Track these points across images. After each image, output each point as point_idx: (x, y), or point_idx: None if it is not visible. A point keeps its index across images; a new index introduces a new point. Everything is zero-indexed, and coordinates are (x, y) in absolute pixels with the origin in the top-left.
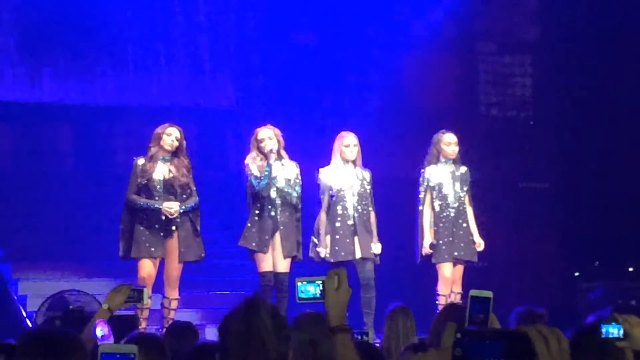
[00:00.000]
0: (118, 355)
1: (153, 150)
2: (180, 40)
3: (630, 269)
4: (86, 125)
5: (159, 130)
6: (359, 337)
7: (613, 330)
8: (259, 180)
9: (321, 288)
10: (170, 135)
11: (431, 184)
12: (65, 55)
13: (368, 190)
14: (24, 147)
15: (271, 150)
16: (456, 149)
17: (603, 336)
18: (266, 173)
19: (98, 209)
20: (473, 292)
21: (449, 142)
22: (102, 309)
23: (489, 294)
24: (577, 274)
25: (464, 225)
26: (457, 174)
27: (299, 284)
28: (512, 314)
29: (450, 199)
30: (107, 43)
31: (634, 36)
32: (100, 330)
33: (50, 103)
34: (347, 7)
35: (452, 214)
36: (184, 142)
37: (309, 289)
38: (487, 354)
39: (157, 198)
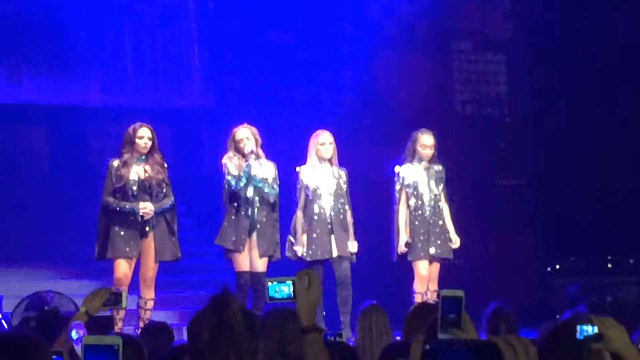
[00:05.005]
0: (102, 347)
1: (126, 155)
2: (157, 41)
3: (609, 265)
4: (62, 126)
5: (129, 131)
6: (333, 337)
7: (588, 329)
8: (236, 180)
9: (292, 288)
10: (143, 138)
11: (406, 182)
12: (41, 55)
13: (344, 189)
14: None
15: (251, 151)
16: (430, 152)
17: (578, 337)
18: (245, 173)
19: (74, 210)
20: (444, 292)
21: (424, 144)
22: (80, 313)
23: (460, 293)
24: (557, 266)
25: (440, 222)
26: (432, 172)
27: (270, 284)
28: (483, 317)
29: (426, 197)
30: (84, 43)
31: (607, 34)
32: (76, 333)
33: (25, 103)
34: (323, 7)
35: (428, 212)
36: (156, 139)
37: (281, 288)
38: None
39: (132, 199)
